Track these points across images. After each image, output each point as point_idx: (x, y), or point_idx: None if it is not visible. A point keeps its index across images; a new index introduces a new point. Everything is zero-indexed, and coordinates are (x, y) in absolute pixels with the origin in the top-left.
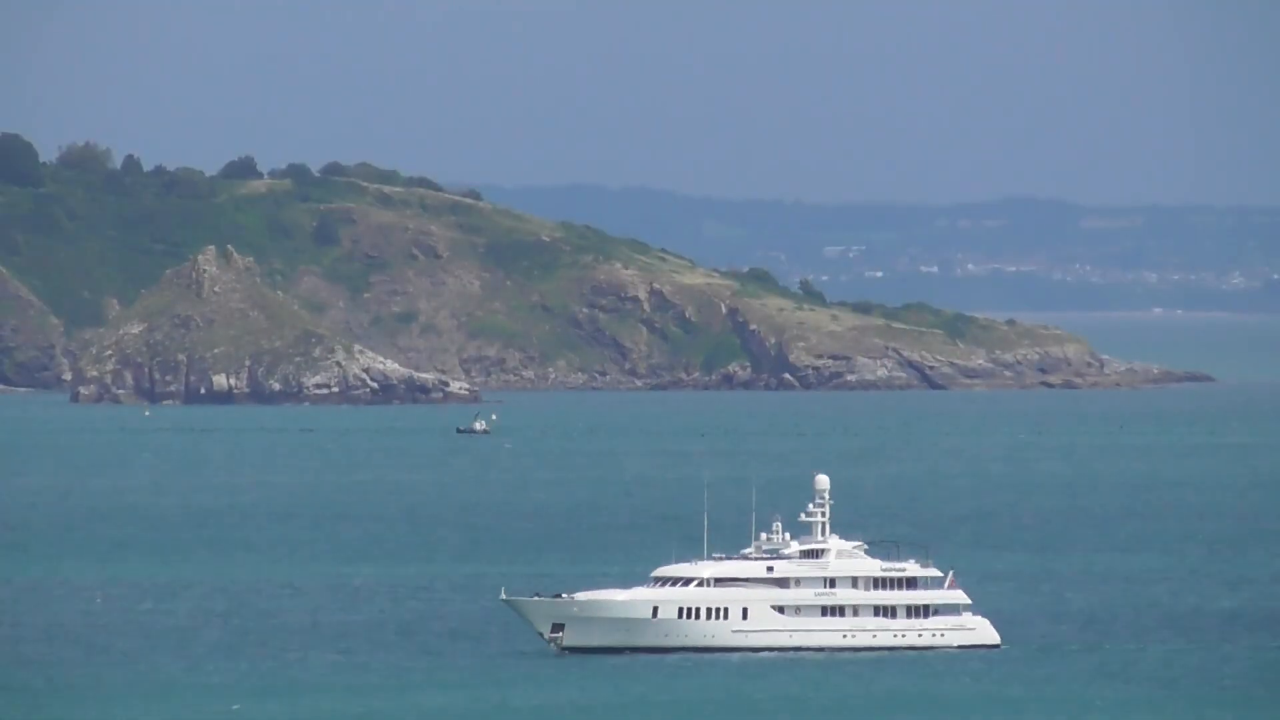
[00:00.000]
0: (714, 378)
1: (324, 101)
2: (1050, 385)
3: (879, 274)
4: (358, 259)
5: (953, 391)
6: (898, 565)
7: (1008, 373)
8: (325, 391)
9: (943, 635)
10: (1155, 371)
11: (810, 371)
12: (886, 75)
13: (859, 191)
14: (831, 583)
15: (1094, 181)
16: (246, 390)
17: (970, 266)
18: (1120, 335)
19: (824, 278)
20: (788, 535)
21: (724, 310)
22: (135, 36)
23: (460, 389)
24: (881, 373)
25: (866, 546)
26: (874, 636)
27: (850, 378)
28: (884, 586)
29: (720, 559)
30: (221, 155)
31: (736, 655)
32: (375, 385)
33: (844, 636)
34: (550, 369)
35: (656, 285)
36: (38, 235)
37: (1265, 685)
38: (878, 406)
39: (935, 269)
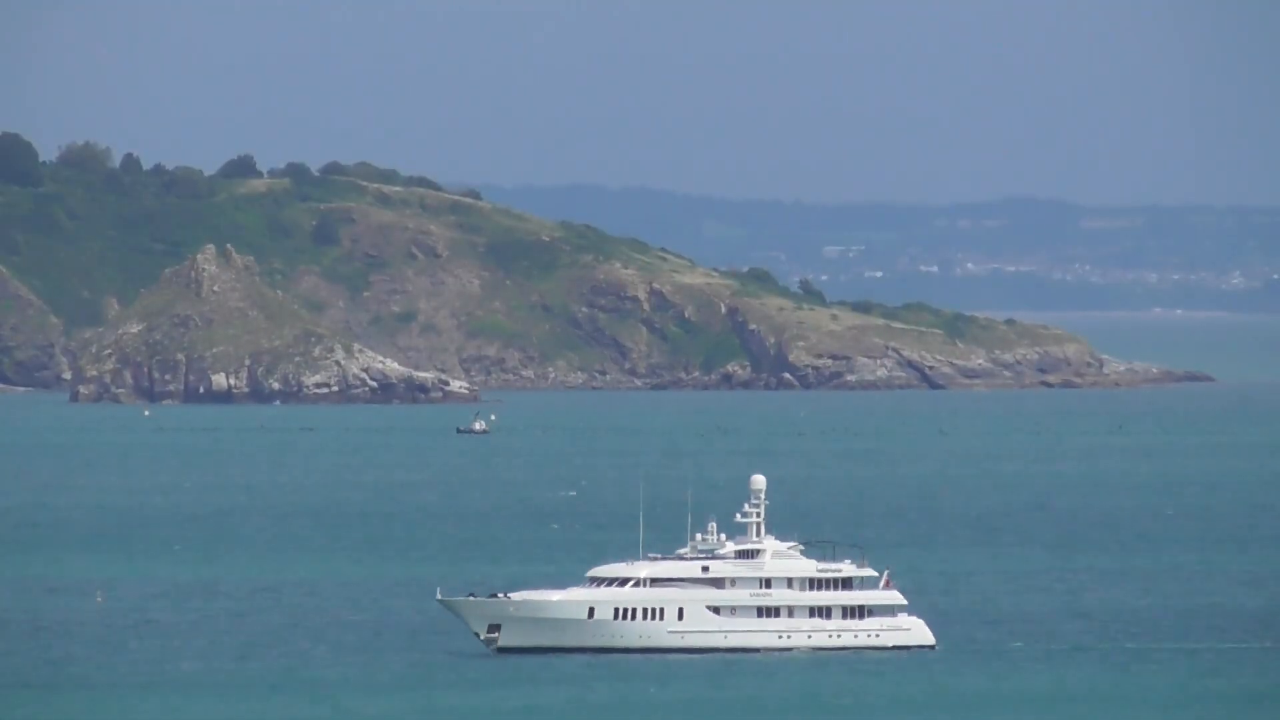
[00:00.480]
0: (714, 377)
1: (324, 101)
2: (1050, 385)
3: (879, 274)
4: (357, 258)
5: (949, 391)
6: (833, 566)
7: (1007, 373)
8: (325, 391)
9: (878, 636)
10: (1155, 371)
11: (810, 371)
12: (886, 75)
13: (859, 191)
14: (767, 583)
15: (1094, 181)
16: (246, 390)
17: (970, 266)
18: (1120, 335)
19: (824, 277)
20: (723, 536)
21: (724, 310)
22: (135, 36)
23: (460, 388)
24: (881, 373)
25: (802, 547)
26: (809, 637)
27: (850, 378)
28: (819, 587)
29: (655, 559)
30: (221, 155)
31: (673, 656)
32: (375, 385)
33: (779, 637)
34: (550, 369)
35: (656, 285)
36: (38, 235)
37: (1207, 684)
38: (859, 406)
39: (935, 269)
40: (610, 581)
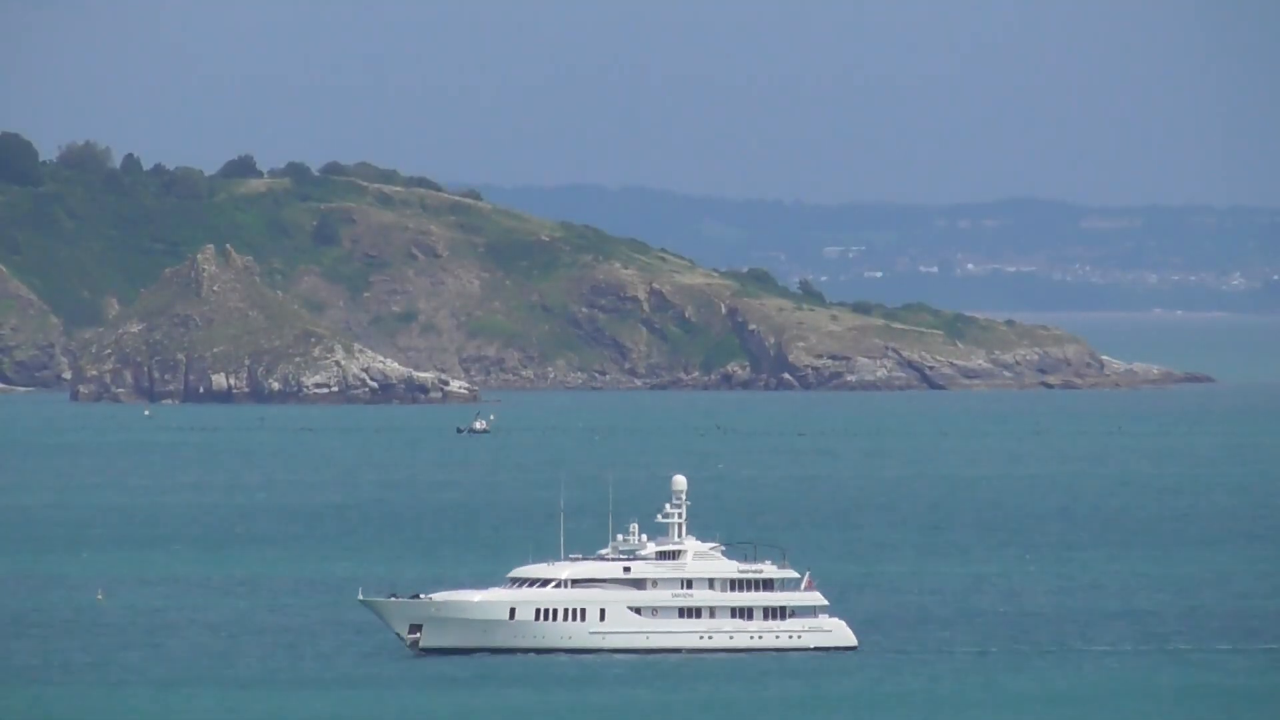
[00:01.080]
0: (713, 378)
1: (324, 101)
2: (1050, 386)
3: (879, 274)
4: (357, 259)
5: (932, 391)
6: (754, 566)
7: (1007, 373)
8: (325, 391)
9: (799, 637)
10: (1155, 372)
11: (810, 371)
12: (886, 75)
13: (859, 191)
14: (688, 584)
15: (1094, 181)
16: (246, 390)
17: (970, 267)
18: (1120, 336)
19: (823, 278)
20: (644, 536)
21: (723, 310)
22: (136, 37)
23: (460, 388)
24: (881, 373)
25: (724, 548)
26: (731, 638)
27: (850, 378)
28: (741, 588)
29: (577, 559)
30: (221, 155)
31: (593, 656)
32: (375, 385)
33: (701, 638)
34: (550, 369)
35: (656, 285)
36: (38, 235)
37: (1133, 683)
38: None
39: (935, 269)
40: (532, 582)
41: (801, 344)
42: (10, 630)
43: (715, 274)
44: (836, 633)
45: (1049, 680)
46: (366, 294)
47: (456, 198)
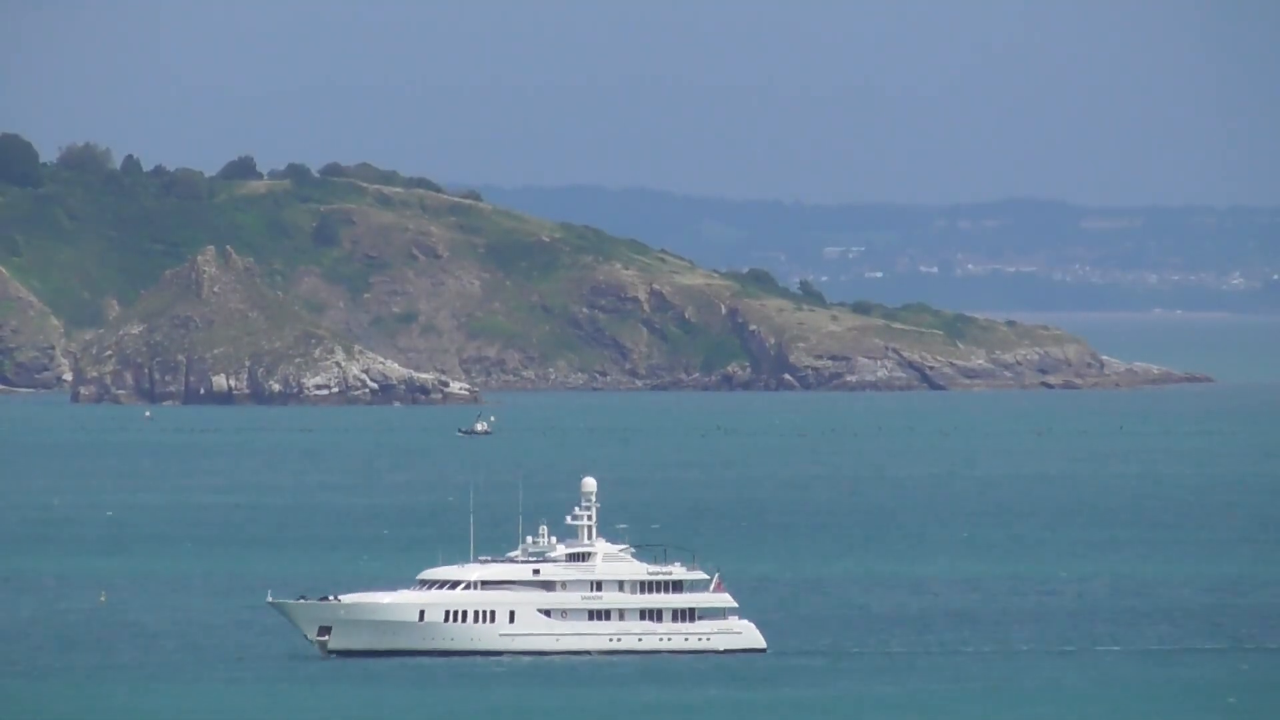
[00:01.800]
0: (714, 378)
1: (323, 102)
2: (1050, 386)
3: (879, 274)
4: (357, 259)
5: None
6: (664, 569)
7: (1007, 373)
8: (325, 392)
9: (709, 639)
10: (1155, 372)
11: (810, 372)
12: (886, 76)
13: (859, 192)
14: (598, 586)
15: (1094, 182)
16: (246, 391)
17: (970, 267)
18: (1120, 336)
19: (824, 278)
20: (554, 539)
21: (724, 311)
22: (135, 36)
23: (460, 389)
24: (881, 373)
25: (634, 550)
26: (640, 640)
27: (850, 378)
28: (650, 590)
29: (486, 561)
30: (221, 155)
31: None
32: (375, 386)
33: (610, 640)
34: (550, 369)
35: (656, 286)
36: (38, 236)
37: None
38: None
39: (935, 269)
40: (441, 584)
41: (802, 344)
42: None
43: (715, 274)
44: (745, 635)
45: (961, 680)
46: (367, 295)
47: (457, 198)
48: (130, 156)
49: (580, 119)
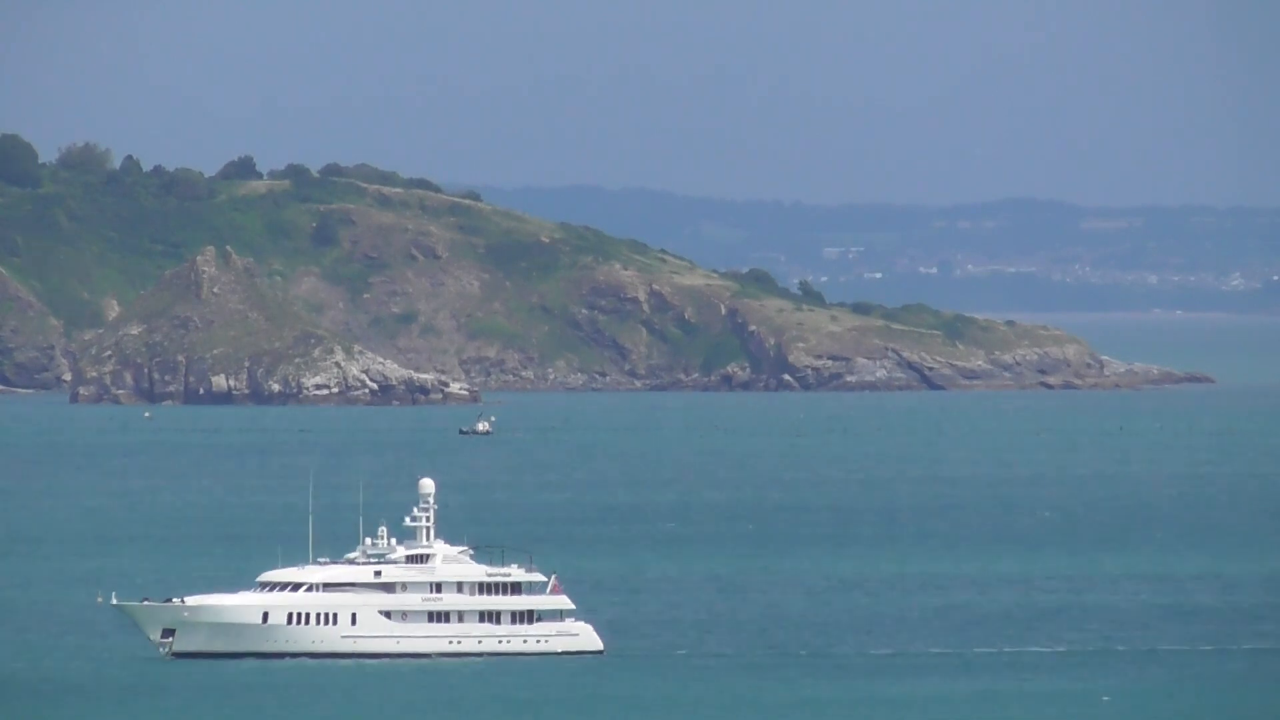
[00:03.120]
0: (713, 379)
1: (323, 102)
2: (1050, 386)
3: (878, 275)
4: (357, 260)
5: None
6: (502, 570)
7: (1007, 374)
8: (325, 392)
9: (546, 641)
10: (1155, 372)
11: (810, 372)
12: (886, 76)
13: (859, 192)
14: (438, 588)
15: (1094, 181)
16: (246, 391)
17: (970, 267)
18: (1120, 336)
19: (823, 279)
20: (394, 540)
21: (723, 311)
22: (135, 36)
23: (460, 390)
24: (881, 374)
25: (472, 551)
26: (479, 642)
27: (849, 379)
28: (489, 592)
29: (325, 563)
30: (221, 155)
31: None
32: (375, 386)
33: (450, 642)
34: (550, 370)
35: (656, 286)
36: (37, 236)
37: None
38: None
39: (934, 270)
40: (282, 586)
41: (801, 345)
42: None
43: (715, 275)
44: (583, 636)
45: (798, 688)
46: (366, 295)
47: (456, 199)
48: (130, 157)
49: (580, 119)
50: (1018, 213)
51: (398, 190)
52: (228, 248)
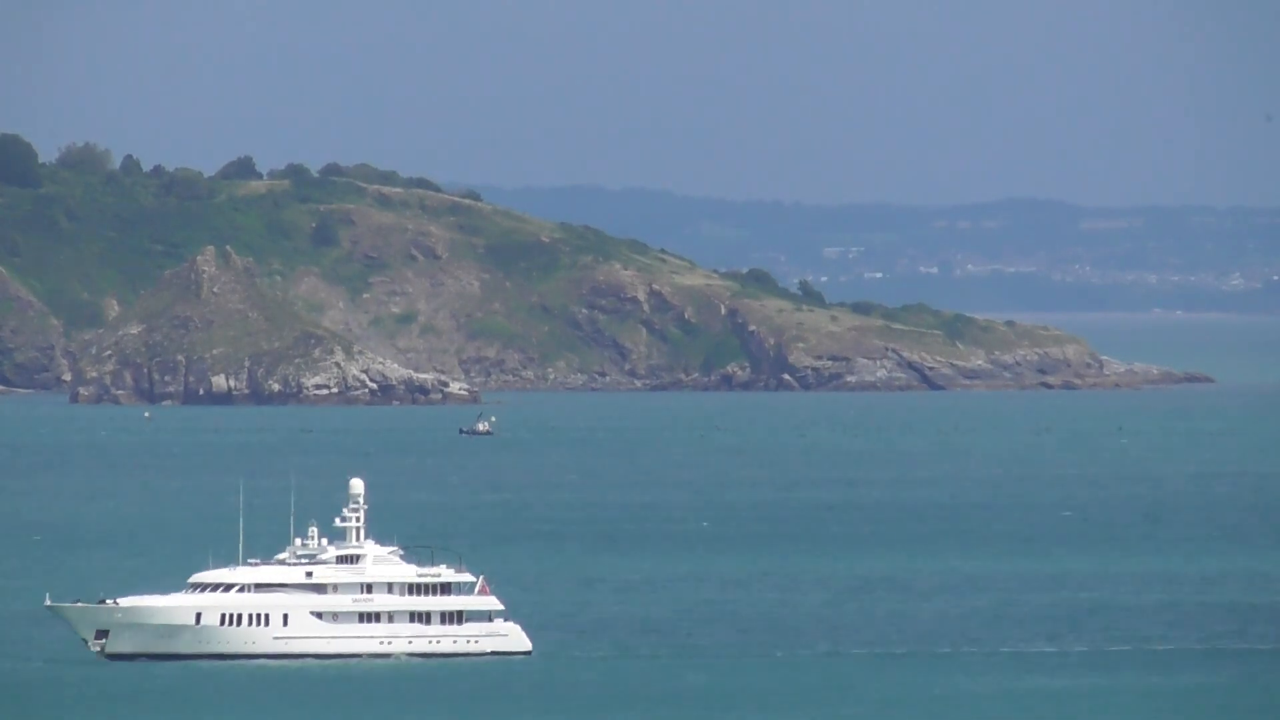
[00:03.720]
0: (713, 378)
1: (323, 102)
2: (1050, 386)
3: (878, 275)
4: (357, 259)
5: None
6: (432, 570)
7: (1007, 374)
8: (325, 392)
9: (475, 642)
10: (1155, 372)
11: (810, 372)
12: (886, 76)
13: (859, 192)
14: (368, 588)
15: (1094, 182)
16: (246, 391)
17: (970, 267)
18: (1120, 336)
19: (823, 278)
20: (325, 540)
21: (723, 311)
22: (135, 36)
23: (460, 390)
24: (881, 374)
25: (401, 551)
26: (409, 643)
27: (850, 379)
28: (419, 592)
29: (255, 564)
30: (221, 155)
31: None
32: (375, 386)
33: (381, 643)
34: (550, 369)
35: (656, 286)
36: (37, 236)
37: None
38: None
39: (935, 270)
40: (214, 587)
41: (801, 345)
42: None
43: (715, 275)
44: (511, 637)
45: (721, 681)
46: (366, 295)
47: (456, 199)
48: (129, 157)
49: (580, 119)
50: (1018, 213)
51: (398, 190)
52: (228, 248)
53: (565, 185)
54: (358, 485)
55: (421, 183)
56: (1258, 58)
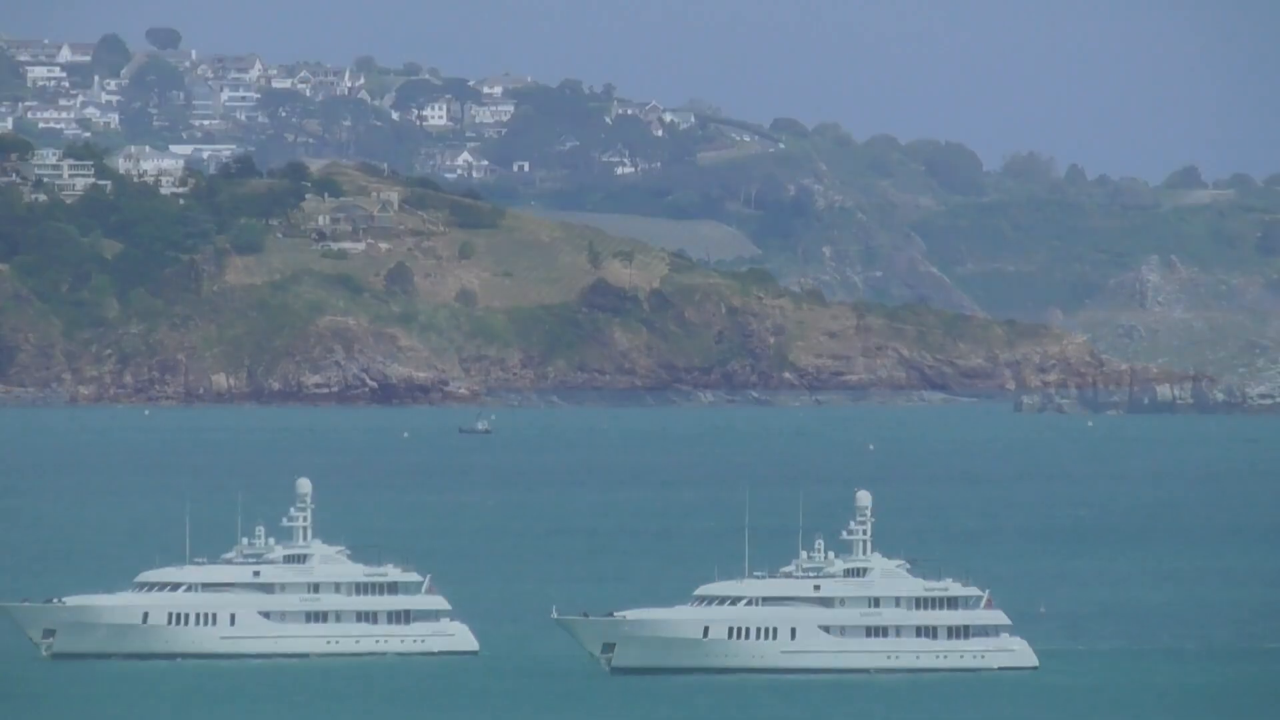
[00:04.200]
0: (714, 377)
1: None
2: (1049, 385)
3: (878, 274)
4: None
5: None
6: (379, 570)
7: (1007, 372)
8: (325, 391)
9: (423, 641)
10: (1155, 372)
11: (810, 372)
12: (887, 75)
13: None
14: (316, 588)
15: (1094, 181)
16: (246, 390)
17: (970, 266)
18: (1120, 336)
19: (824, 278)
20: (271, 540)
21: (724, 310)
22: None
23: (460, 389)
24: (881, 373)
25: (349, 551)
26: (357, 642)
27: (850, 378)
28: (366, 592)
29: (202, 563)
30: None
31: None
32: (375, 385)
33: (328, 643)
34: (550, 369)
35: (656, 286)
36: (38, 235)
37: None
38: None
39: (935, 269)
40: (161, 586)
41: (802, 344)
42: None
43: (715, 274)
44: (459, 637)
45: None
46: (366, 295)
47: (456, 198)
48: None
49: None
50: (1018, 212)
51: (398, 189)
52: (227, 247)
53: (565, 185)
54: (305, 485)
55: (422, 181)
56: (1259, 57)
